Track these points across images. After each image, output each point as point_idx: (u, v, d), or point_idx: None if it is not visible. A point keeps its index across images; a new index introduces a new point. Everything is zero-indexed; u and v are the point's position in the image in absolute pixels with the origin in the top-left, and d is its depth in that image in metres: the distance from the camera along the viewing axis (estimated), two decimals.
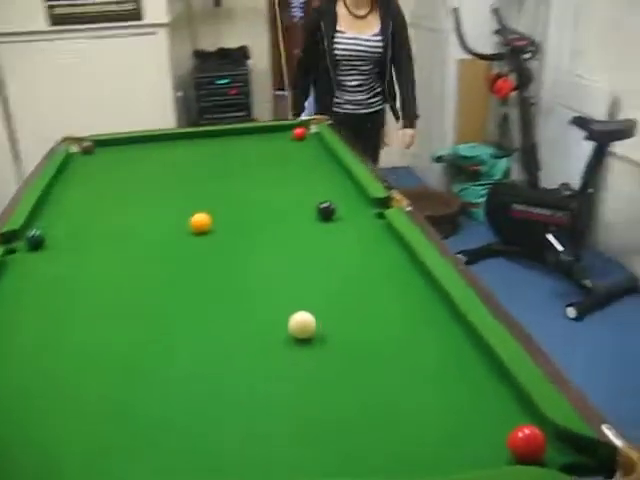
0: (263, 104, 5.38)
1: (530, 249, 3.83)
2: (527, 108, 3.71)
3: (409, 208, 2.07)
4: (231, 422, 1.23)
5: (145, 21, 4.16)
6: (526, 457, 1.06)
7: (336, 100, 3.48)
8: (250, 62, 4.97)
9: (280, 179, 2.53)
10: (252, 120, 4.83)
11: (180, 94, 4.79)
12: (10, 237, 2.02)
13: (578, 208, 3.50)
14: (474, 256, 3.92)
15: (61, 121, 3.85)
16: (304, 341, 1.45)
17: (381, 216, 2.10)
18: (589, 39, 3.99)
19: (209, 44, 5.15)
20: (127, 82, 4.26)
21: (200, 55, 4.99)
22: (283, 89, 5.41)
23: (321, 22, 3.34)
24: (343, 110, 3.49)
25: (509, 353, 1.31)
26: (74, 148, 2.97)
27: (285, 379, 1.35)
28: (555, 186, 3.75)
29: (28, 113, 4.21)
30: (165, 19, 4.21)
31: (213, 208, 2.11)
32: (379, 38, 3.33)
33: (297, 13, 5.74)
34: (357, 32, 3.34)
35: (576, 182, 3.61)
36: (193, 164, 2.76)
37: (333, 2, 3.36)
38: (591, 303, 3.46)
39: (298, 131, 3.05)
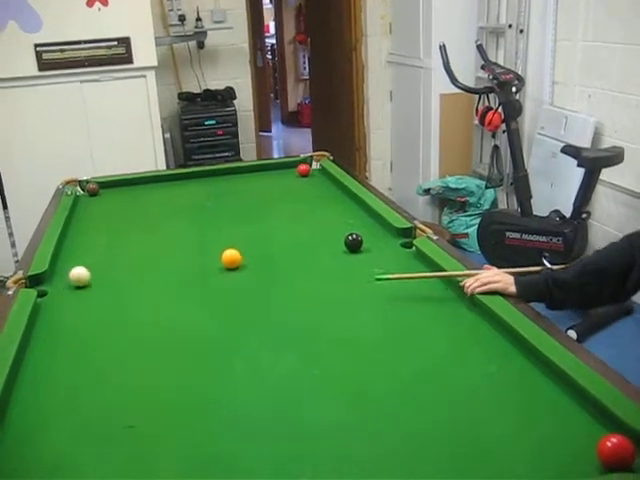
0: (247, 144, 5.44)
1: None
2: (517, 139, 3.82)
3: (435, 237, 2.12)
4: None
5: (135, 65, 4.19)
6: (617, 465, 1.09)
7: None
8: (236, 102, 5.03)
9: (298, 214, 2.56)
10: (240, 160, 4.87)
11: (167, 136, 4.82)
12: (39, 280, 2.01)
13: (572, 233, 3.60)
14: None
15: (51, 164, 3.87)
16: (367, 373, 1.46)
17: (407, 245, 2.15)
18: (567, 71, 4.14)
19: (193, 86, 5.20)
20: (117, 124, 4.27)
21: (186, 97, 5.02)
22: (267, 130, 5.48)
23: None
24: None
25: (574, 368, 1.36)
26: (79, 190, 2.98)
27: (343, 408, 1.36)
28: (546, 213, 3.85)
29: (16, 158, 4.17)
30: (154, 62, 4.26)
31: (239, 244, 2.10)
32: None
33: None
34: None
35: (564, 209, 3.71)
36: (206, 202, 2.77)
37: None
38: (590, 325, 3.53)
39: (302, 167, 3.09)
